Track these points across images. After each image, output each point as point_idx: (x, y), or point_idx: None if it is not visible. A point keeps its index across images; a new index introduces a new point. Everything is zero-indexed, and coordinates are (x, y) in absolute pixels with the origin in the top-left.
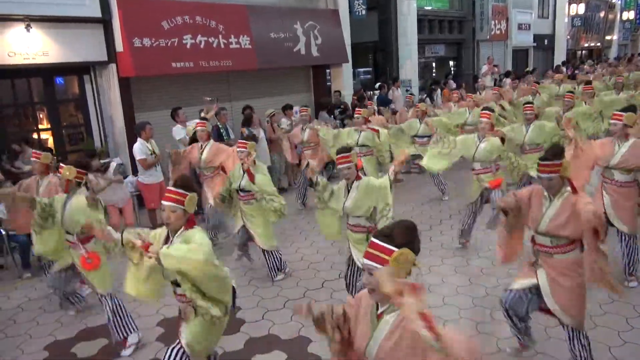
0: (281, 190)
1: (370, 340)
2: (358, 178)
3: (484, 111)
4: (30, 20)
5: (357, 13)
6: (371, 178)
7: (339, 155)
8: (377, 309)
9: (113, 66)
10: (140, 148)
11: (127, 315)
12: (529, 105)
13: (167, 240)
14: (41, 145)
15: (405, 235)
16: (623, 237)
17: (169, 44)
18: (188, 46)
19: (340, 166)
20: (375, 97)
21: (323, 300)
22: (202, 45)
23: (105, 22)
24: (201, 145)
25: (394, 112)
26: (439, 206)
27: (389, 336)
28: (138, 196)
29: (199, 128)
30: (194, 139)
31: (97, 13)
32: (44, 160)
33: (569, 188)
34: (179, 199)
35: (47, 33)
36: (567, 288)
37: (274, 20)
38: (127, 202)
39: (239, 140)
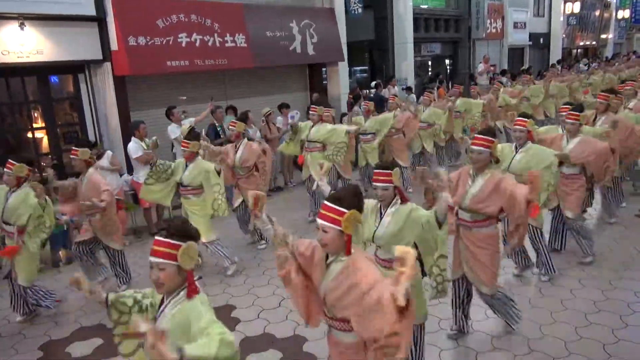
0: (277, 189)
1: (322, 283)
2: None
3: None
4: (24, 18)
5: (353, 11)
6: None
7: (375, 172)
8: (327, 259)
9: (108, 65)
10: (134, 147)
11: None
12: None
13: (161, 304)
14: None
15: (353, 199)
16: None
17: (164, 43)
18: (183, 45)
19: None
20: (371, 95)
21: None
22: (197, 44)
23: (100, 20)
24: (235, 145)
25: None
26: None
27: (334, 280)
28: (133, 195)
29: (231, 127)
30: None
31: (91, 11)
32: (83, 156)
33: (493, 168)
34: (168, 253)
35: (41, 31)
36: (482, 260)
37: (269, 19)
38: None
39: (183, 140)
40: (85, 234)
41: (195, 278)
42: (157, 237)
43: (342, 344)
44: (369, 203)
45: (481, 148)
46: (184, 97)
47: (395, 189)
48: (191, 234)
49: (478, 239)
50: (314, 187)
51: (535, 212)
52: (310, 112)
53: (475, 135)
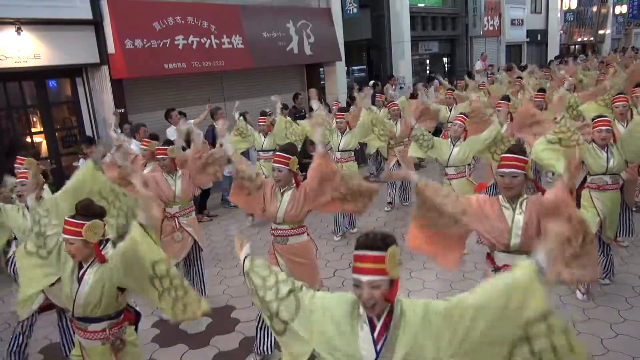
0: None
1: (279, 208)
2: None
3: (460, 115)
4: (21, 23)
5: (348, 11)
6: None
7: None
8: (280, 189)
9: (105, 68)
10: (135, 150)
11: None
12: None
13: (79, 267)
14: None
15: (294, 150)
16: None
17: (160, 45)
18: (180, 47)
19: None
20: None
21: None
22: (194, 46)
23: (96, 23)
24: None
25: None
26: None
27: (288, 203)
28: None
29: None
30: (188, 141)
31: (88, 15)
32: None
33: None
34: (75, 231)
35: (38, 36)
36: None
37: (266, 20)
38: None
39: (158, 148)
40: None
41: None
42: (65, 218)
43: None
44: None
45: (515, 170)
46: (121, 110)
47: None
48: (96, 212)
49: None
50: None
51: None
52: (337, 119)
53: (504, 154)
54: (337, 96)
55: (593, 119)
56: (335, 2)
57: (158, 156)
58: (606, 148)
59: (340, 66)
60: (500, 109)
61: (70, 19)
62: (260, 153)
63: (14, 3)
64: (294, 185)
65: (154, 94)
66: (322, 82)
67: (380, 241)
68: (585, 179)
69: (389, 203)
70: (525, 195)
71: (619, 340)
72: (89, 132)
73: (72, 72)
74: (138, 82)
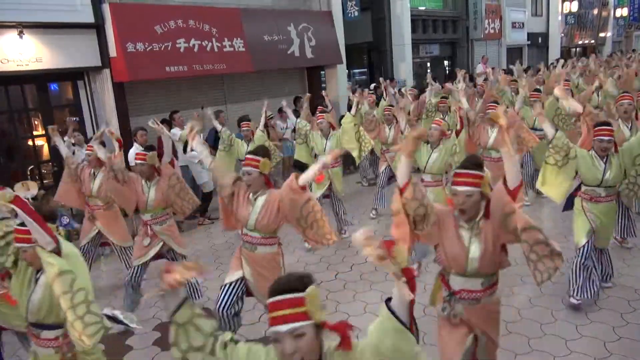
0: None
1: (250, 213)
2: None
3: (437, 119)
4: (22, 26)
5: (349, 14)
6: None
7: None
8: (253, 195)
9: (107, 71)
10: (135, 154)
11: None
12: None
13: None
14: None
15: (265, 152)
16: None
17: (162, 49)
18: (182, 50)
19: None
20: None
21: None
22: (195, 49)
23: (98, 27)
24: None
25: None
26: None
27: (261, 210)
28: None
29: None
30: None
31: (89, 19)
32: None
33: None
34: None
35: (40, 39)
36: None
37: (267, 23)
38: None
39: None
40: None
41: None
42: (15, 227)
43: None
44: None
45: (470, 188)
46: (76, 119)
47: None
48: (48, 215)
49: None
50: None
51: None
52: (318, 120)
53: (457, 169)
54: (338, 99)
55: (595, 126)
56: (336, 5)
57: (137, 161)
58: (605, 158)
59: (341, 69)
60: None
61: (72, 22)
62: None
63: (16, 7)
64: (269, 190)
65: (155, 97)
66: (323, 84)
67: (297, 282)
68: (580, 185)
69: (375, 209)
70: (481, 213)
71: (621, 343)
72: (90, 135)
73: (73, 76)
74: (139, 85)
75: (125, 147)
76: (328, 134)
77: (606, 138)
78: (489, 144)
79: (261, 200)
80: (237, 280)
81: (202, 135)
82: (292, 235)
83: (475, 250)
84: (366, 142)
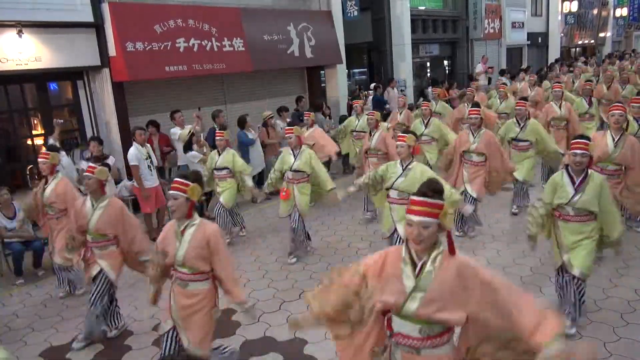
0: (278, 192)
1: (178, 248)
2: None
3: (403, 134)
4: (22, 26)
5: (349, 14)
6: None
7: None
8: (179, 226)
9: (106, 71)
10: (135, 154)
11: None
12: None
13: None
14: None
15: (195, 177)
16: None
17: (162, 48)
18: (181, 50)
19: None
20: (371, 97)
21: None
22: (195, 49)
23: (97, 26)
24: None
25: (387, 113)
26: None
27: (190, 243)
28: (134, 200)
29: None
30: (188, 145)
31: (89, 18)
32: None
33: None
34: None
35: (39, 39)
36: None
37: (267, 22)
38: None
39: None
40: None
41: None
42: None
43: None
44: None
45: (427, 219)
46: (61, 121)
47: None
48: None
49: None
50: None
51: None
52: (286, 134)
53: (413, 196)
54: (338, 99)
55: (573, 139)
56: (336, 5)
57: (85, 173)
58: (580, 178)
59: (341, 69)
60: (472, 116)
61: (71, 21)
62: (215, 172)
63: (15, 6)
64: (199, 220)
65: (155, 96)
66: (322, 84)
67: (437, 186)
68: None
69: (370, 211)
70: (441, 248)
71: (621, 344)
72: (90, 135)
73: (73, 75)
74: (139, 84)
75: (125, 146)
76: (295, 146)
77: (579, 152)
78: (470, 148)
79: (189, 233)
80: (170, 330)
81: (202, 135)
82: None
83: (421, 288)
84: None
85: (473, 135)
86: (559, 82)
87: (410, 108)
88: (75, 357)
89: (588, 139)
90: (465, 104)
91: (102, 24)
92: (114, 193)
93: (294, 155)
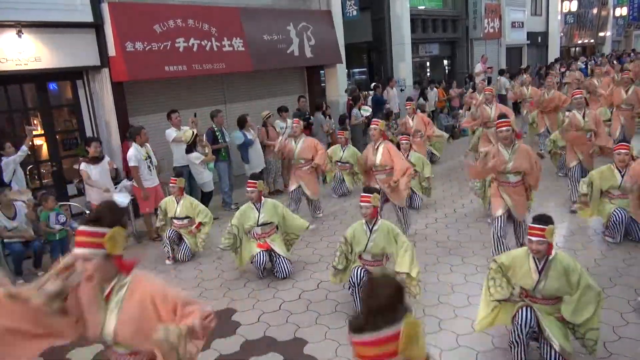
0: (277, 192)
1: (104, 323)
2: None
3: (366, 193)
4: (21, 26)
5: (348, 14)
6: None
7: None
8: (103, 292)
9: (106, 71)
10: (134, 154)
11: None
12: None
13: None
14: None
15: (112, 215)
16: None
17: (161, 48)
18: (181, 49)
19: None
20: (370, 97)
21: (318, 301)
22: (195, 49)
23: (97, 26)
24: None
25: (387, 113)
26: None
27: (120, 313)
28: (133, 200)
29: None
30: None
31: (88, 18)
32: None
33: None
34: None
35: (39, 38)
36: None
37: (266, 22)
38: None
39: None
40: None
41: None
42: (79, 228)
43: None
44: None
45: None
46: (32, 127)
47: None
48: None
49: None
50: None
51: None
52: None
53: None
54: (338, 98)
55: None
56: (335, 5)
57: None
58: (542, 263)
59: (341, 68)
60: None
61: (70, 21)
62: (175, 221)
63: (14, 6)
64: (127, 280)
65: (154, 96)
66: (322, 84)
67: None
68: None
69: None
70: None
71: (621, 343)
72: (89, 135)
73: (72, 75)
74: (139, 84)
75: (124, 147)
76: (259, 203)
77: (535, 239)
78: (507, 168)
79: (116, 300)
80: None
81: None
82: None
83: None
84: None
85: (507, 152)
86: (579, 89)
87: (422, 110)
88: (75, 356)
89: (548, 223)
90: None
91: (102, 24)
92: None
93: (257, 209)
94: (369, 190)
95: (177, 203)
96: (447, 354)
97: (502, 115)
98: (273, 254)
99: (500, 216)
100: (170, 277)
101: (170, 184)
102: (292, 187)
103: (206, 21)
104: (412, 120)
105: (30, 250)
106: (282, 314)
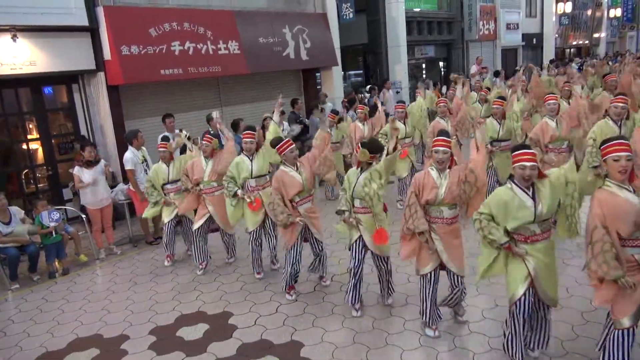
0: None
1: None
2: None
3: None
4: (16, 30)
5: (344, 16)
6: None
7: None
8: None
9: (101, 74)
10: (130, 157)
11: None
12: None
13: None
14: None
15: None
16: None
17: (157, 51)
18: (176, 53)
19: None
20: (367, 99)
21: (315, 304)
22: (190, 52)
23: (92, 30)
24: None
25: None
26: None
27: None
28: (129, 204)
29: (160, 149)
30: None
31: (84, 22)
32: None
33: None
34: None
35: (34, 43)
36: None
37: (262, 25)
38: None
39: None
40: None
41: None
42: None
43: None
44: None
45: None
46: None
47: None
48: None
49: None
50: None
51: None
52: (245, 139)
53: None
54: (333, 101)
55: (513, 150)
56: (331, 7)
57: None
58: (531, 189)
59: (337, 71)
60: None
61: (66, 25)
62: (168, 186)
63: (9, 10)
64: None
65: (150, 100)
66: (318, 87)
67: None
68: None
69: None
70: None
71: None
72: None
73: (68, 79)
74: (134, 88)
75: (120, 150)
76: (253, 153)
77: (529, 164)
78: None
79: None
80: None
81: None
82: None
83: None
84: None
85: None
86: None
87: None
88: None
89: (532, 151)
90: (441, 119)
91: (97, 27)
92: (111, 197)
93: (250, 160)
94: (362, 144)
95: (168, 167)
96: (442, 355)
97: (442, 132)
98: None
99: (429, 273)
100: (167, 281)
101: (160, 149)
102: None
103: (202, 24)
104: (404, 124)
105: (25, 255)
106: (279, 317)
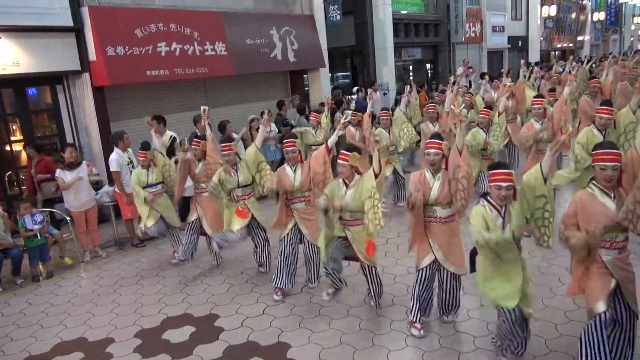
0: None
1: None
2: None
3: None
4: (0, 30)
5: (331, 18)
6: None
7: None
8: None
9: (86, 75)
10: (116, 159)
11: None
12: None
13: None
14: None
15: None
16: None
17: (143, 52)
18: (163, 54)
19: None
20: (354, 101)
21: (302, 305)
22: (177, 53)
23: (77, 31)
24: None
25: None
26: None
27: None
28: (115, 206)
29: (140, 157)
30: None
31: (68, 22)
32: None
33: None
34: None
35: (17, 43)
36: None
37: (249, 26)
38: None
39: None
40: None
41: None
42: None
43: None
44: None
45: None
46: None
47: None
48: None
49: None
50: None
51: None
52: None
53: None
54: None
55: (490, 168)
56: (318, 9)
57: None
58: (504, 208)
59: (324, 72)
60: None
61: (50, 25)
62: (148, 189)
63: None
64: None
65: (136, 101)
66: (306, 88)
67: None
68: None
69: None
70: None
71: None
72: (69, 140)
73: (52, 80)
74: (120, 89)
75: (106, 152)
76: (235, 164)
77: (504, 184)
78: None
79: None
80: None
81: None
82: (274, 237)
83: None
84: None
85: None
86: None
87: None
88: None
89: (508, 170)
90: (430, 124)
91: (82, 28)
92: (95, 199)
93: (236, 171)
94: (348, 148)
95: (148, 171)
96: (429, 355)
97: (434, 135)
98: (251, 225)
99: (425, 268)
100: (153, 283)
101: (140, 157)
102: None
103: (188, 25)
104: (389, 132)
105: (8, 258)
106: (266, 319)
